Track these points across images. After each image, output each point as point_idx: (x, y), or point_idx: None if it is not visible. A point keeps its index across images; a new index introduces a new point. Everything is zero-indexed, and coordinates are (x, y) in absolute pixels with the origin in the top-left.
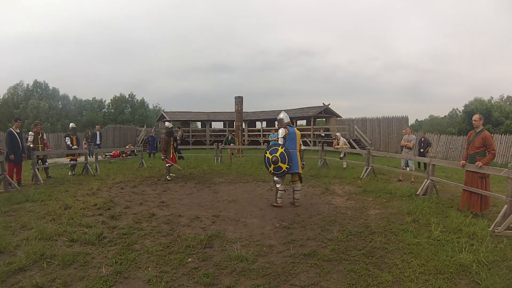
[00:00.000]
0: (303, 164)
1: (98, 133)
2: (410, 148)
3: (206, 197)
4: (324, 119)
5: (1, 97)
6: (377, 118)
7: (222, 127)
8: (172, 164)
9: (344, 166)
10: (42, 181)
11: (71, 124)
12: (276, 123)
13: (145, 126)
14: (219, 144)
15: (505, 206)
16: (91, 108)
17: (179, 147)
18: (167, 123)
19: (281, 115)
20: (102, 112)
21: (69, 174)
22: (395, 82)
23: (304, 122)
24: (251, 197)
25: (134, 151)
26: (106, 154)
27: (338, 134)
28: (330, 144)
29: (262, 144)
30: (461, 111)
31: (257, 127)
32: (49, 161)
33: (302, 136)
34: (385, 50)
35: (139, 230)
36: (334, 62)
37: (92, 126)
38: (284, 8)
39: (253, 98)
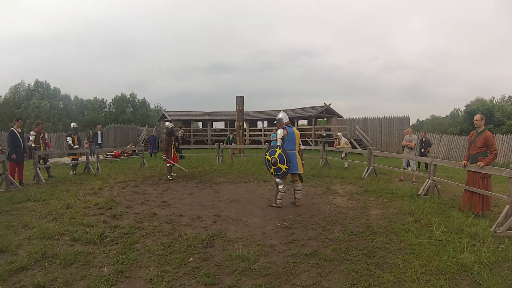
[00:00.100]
0: (302, 164)
1: (99, 132)
2: (411, 148)
3: (207, 196)
4: (325, 119)
5: (3, 97)
6: (378, 118)
7: (224, 126)
8: (173, 164)
9: (346, 166)
10: (43, 181)
11: (73, 124)
12: (275, 123)
13: (146, 126)
14: (220, 143)
15: (507, 206)
16: (93, 107)
17: (180, 146)
18: (167, 123)
19: (280, 115)
20: (104, 111)
21: (71, 173)
22: (395, 82)
23: (305, 122)
24: (253, 197)
25: (135, 150)
26: (108, 153)
27: (339, 134)
28: (331, 144)
29: (263, 144)
30: (462, 111)
31: (258, 126)
32: (50, 160)
33: (303, 136)
34: (385, 50)
35: (140, 230)
36: (334, 62)
37: (94, 126)
38: (284, 8)
39: (253, 98)
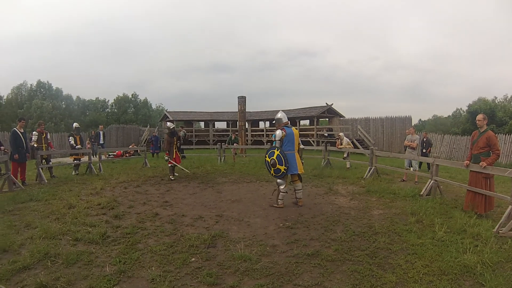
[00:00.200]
0: (302, 163)
1: (101, 133)
2: (413, 148)
3: (209, 196)
4: (327, 119)
5: (5, 97)
6: (380, 118)
7: (225, 127)
8: (175, 165)
9: (348, 166)
10: (46, 181)
11: (75, 124)
12: (274, 123)
13: (148, 126)
14: (222, 144)
15: (510, 206)
16: (94, 108)
17: (181, 146)
18: (168, 123)
19: (279, 115)
20: (105, 112)
21: (73, 173)
22: (395, 82)
23: (307, 122)
24: (255, 197)
25: (137, 150)
26: (110, 153)
27: (341, 134)
28: (333, 144)
29: (265, 144)
30: (464, 111)
31: (260, 127)
32: (53, 160)
33: (305, 136)
34: (385, 50)
35: (142, 230)
36: (334, 62)
37: (96, 126)
38: (284, 8)
39: (254, 98)
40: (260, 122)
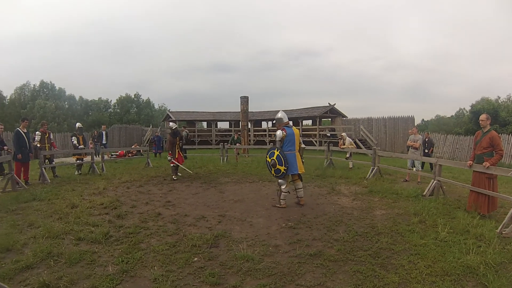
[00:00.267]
0: (302, 161)
1: (104, 132)
2: (416, 148)
3: (212, 196)
4: (329, 119)
5: (8, 98)
6: (383, 118)
7: (228, 127)
8: (178, 165)
9: (350, 166)
10: (49, 180)
11: (78, 124)
12: (275, 122)
13: (151, 126)
14: (225, 144)
15: None
16: (97, 108)
17: (184, 146)
18: (171, 123)
19: (279, 115)
20: (108, 112)
21: (76, 173)
22: (397, 82)
23: (309, 122)
24: (257, 197)
25: (140, 150)
26: (112, 153)
27: (344, 134)
28: (336, 144)
29: (268, 144)
30: (467, 111)
31: (263, 127)
32: (56, 160)
33: (308, 136)
34: (387, 50)
35: (145, 229)
36: (336, 62)
37: (98, 126)
38: (286, 8)
39: (256, 98)
40: (262, 122)
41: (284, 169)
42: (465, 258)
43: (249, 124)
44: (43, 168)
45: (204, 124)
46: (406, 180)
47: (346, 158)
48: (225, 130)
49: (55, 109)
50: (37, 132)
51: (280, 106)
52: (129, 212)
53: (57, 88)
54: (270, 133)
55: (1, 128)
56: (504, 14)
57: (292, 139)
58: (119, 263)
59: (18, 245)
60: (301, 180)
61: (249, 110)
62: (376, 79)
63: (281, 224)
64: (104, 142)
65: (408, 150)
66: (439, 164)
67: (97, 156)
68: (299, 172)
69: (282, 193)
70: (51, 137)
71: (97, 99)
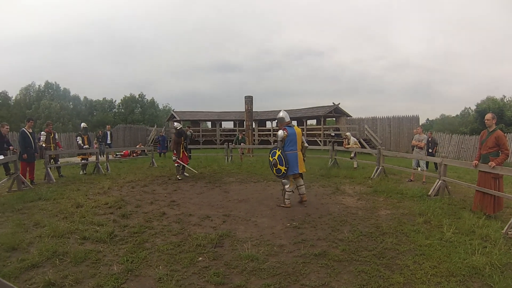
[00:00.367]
0: (304, 160)
1: (108, 132)
2: (421, 148)
3: (216, 196)
4: (334, 119)
5: (14, 98)
6: (387, 118)
7: (232, 126)
8: (183, 165)
9: (355, 166)
10: (54, 180)
11: (82, 124)
12: (276, 122)
13: (155, 126)
14: (229, 143)
15: None
16: (102, 108)
17: (188, 146)
18: (176, 123)
19: (281, 114)
20: (113, 112)
21: (81, 173)
22: (401, 81)
23: (314, 121)
24: (262, 197)
25: (144, 150)
26: (117, 153)
27: (348, 133)
28: (340, 143)
29: (272, 143)
30: (473, 110)
31: (267, 126)
32: (61, 160)
33: (312, 135)
34: (390, 49)
35: (150, 229)
36: (340, 62)
37: (103, 126)
38: (290, 7)
39: (261, 98)
40: (267, 122)
41: (284, 169)
42: (470, 259)
43: (254, 123)
44: (48, 168)
45: (209, 124)
46: (411, 180)
47: (350, 158)
48: (230, 130)
49: (60, 109)
50: (42, 132)
51: (285, 106)
52: (133, 211)
53: (62, 88)
54: (274, 132)
55: (7, 128)
56: (510, 11)
57: (294, 139)
58: (124, 262)
59: (24, 244)
60: (302, 178)
61: (253, 110)
62: (380, 79)
63: (286, 224)
64: (108, 142)
65: (413, 149)
66: (444, 164)
67: (102, 156)
68: (300, 172)
69: (287, 192)
70: (56, 137)
71: (101, 99)
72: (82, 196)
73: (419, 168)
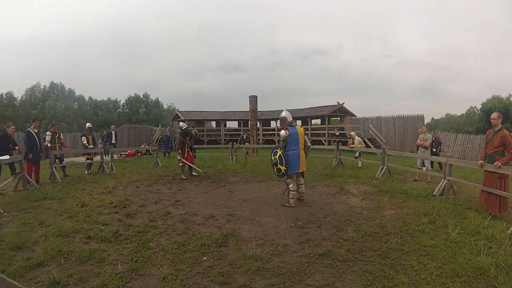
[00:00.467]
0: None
1: (113, 132)
2: (426, 147)
3: (221, 196)
4: (338, 118)
5: (19, 99)
6: (392, 117)
7: (237, 126)
8: (188, 165)
9: (359, 165)
10: (59, 180)
11: (87, 124)
12: (279, 121)
13: (159, 126)
14: (234, 143)
15: None
16: (106, 108)
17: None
18: (181, 123)
19: (283, 113)
20: (117, 112)
21: (86, 173)
22: (406, 81)
23: (318, 121)
24: (266, 196)
25: (149, 150)
26: (122, 153)
27: (352, 133)
28: (345, 143)
29: (277, 143)
30: (478, 109)
31: (271, 126)
32: (66, 160)
33: (317, 135)
34: (396, 48)
35: (154, 228)
36: (346, 61)
37: (108, 126)
38: (296, 7)
39: (265, 98)
40: (271, 122)
41: (284, 169)
42: (475, 260)
43: (258, 123)
44: (53, 168)
45: (213, 123)
46: (416, 180)
47: (355, 158)
48: (234, 130)
49: (65, 109)
50: (47, 132)
51: (289, 106)
52: (138, 211)
53: (66, 89)
54: (279, 132)
55: (13, 128)
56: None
57: (296, 138)
58: (128, 262)
59: (29, 243)
60: (303, 177)
61: (258, 110)
62: (388, 78)
63: (290, 224)
64: (113, 141)
65: (417, 149)
66: (449, 164)
67: (107, 155)
68: (301, 171)
69: (291, 192)
70: (61, 137)
71: (106, 100)
72: (87, 195)
73: (424, 168)
